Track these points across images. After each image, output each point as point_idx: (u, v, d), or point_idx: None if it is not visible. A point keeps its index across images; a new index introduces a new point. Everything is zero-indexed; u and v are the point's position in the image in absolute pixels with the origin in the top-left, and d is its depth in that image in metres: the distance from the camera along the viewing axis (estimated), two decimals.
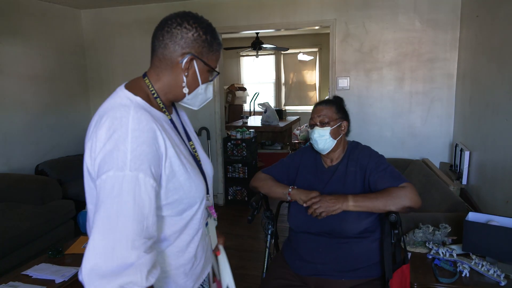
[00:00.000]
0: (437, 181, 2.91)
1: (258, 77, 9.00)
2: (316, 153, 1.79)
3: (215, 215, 1.15)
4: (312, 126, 1.73)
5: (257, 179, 1.86)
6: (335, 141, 1.68)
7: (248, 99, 8.36)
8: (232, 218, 4.19)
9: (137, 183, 0.82)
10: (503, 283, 1.62)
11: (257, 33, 6.43)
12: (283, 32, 7.80)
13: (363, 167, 1.66)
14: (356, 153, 1.71)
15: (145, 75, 1.03)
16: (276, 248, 2.02)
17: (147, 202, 0.83)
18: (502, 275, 1.65)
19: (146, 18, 4.42)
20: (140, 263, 0.79)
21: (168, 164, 0.91)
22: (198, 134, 4.48)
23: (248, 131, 4.64)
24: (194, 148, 1.09)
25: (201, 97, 1.08)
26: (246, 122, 6.44)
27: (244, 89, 8.60)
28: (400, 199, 1.51)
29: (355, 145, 1.77)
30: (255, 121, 6.69)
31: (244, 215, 3.86)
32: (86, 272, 0.77)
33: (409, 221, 2.17)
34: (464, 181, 3.02)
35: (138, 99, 0.95)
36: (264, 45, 6.53)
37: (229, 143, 4.56)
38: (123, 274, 0.77)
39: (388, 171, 1.62)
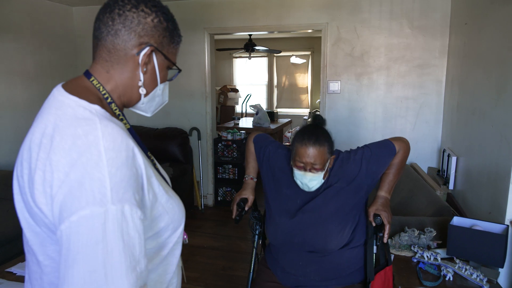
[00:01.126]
0: (424, 185, 2.94)
1: (250, 78, 9.01)
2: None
3: (186, 236, 0.95)
4: (299, 168, 1.52)
5: (251, 143, 1.85)
6: (324, 179, 1.56)
7: (240, 100, 8.37)
8: (220, 219, 4.19)
9: (124, 219, 0.62)
10: (485, 287, 1.64)
11: (250, 35, 6.45)
12: (276, 35, 7.83)
13: (351, 178, 1.57)
14: (336, 167, 1.61)
15: (89, 74, 0.81)
16: (264, 248, 2.03)
17: (137, 241, 0.63)
18: (485, 279, 1.67)
19: None
20: None
21: (149, 186, 0.72)
22: (189, 134, 4.47)
23: (239, 132, 4.64)
24: (153, 160, 0.89)
25: (158, 100, 0.88)
26: (238, 124, 6.44)
27: (236, 91, 8.60)
28: (405, 159, 1.67)
29: (336, 158, 1.64)
30: (246, 122, 6.69)
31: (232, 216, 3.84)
32: None
33: (395, 225, 2.20)
34: (451, 186, 3.06)
35: (97, 107, 0.72)
36: (257, 47, 6.55)
37: (219, 144, 4.55)
38: None
39: (375, 152, 1.60)
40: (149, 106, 0.88)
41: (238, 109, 8.47)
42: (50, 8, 4.30)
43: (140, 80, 0.81)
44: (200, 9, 4.22)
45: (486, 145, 2.44)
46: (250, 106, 6.55)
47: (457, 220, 1.90)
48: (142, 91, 0.82)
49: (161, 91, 0.87)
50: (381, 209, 1.57)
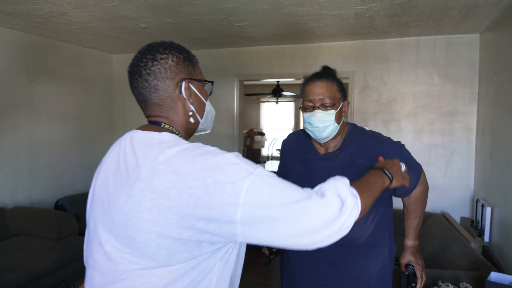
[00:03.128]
0: (457, 236, 2.82)
1: (277, 122, 9.15)
2: (305, 138, 1.53)
3: None
4: (309, 108, 1.39)
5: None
6: (338, 127, 1.39)
7: (267, 143, 8.46)
8: (244, 264, 4.09)
9: (267, 172, 0.79)
10: None
11: (277, 81, 6.63)
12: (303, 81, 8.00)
13: None
14: (361, 140, 1.43)
15: (156, 122, 0.93)
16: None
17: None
18: None
19: None
20: (329, 194, 0.81)
21: None
22: None
23: None
24: None
25: (210, 115, 1.03)
26: (264, 166, 6.46)
27: (262, 134, 8.73)
28: (425, 199, 1.52)
29: (355, 129, 1.49)
30: (272, 165, 6.71)
31: (258, 261, 3.78)
32: (325, 235, 0.77)
33: (428, 278, 2.09)
34: (486, 238, 2.91)
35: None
36: (284, 93, 6.71)
37: None
38: (338, 210, 0.79)
39: (408, 157, 1.45)
40: (206, 124, 1.03)
41: (264, 152, 8.54)
42: (92, 55, 4.63)
43: (191, 110, 0.95)
44: (231, 57, 4.43)
45: None
46: (276, 149, 6.61)
47: (495, 276, 1.79)
48: (197, 117, 0.97)
49: (209, 107, 1.02)
50: (413, 260, 1.50)
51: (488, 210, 2.89)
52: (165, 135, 0.85)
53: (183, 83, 0.91)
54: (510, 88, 2.67)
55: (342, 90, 1.42)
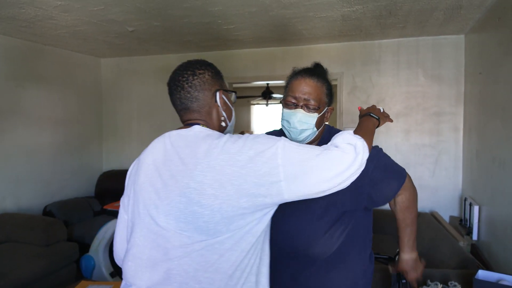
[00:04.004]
0: (446, 236, 2.85)
1: (268, 125, 9.16)
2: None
3: None
4: (291, 105, 1.30)
5: None
6: (317, 132, 1.32)
7: None
8: None
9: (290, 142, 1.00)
10: None
11: (267, 83, 6.65)
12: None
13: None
14: None
15: (194, 123, 1.08)
16: None
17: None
18: None
19: (162, 67, 4.64)
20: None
21: None
22: None
23: None
24: None
25: (233, 119, 1.20)
26: None
27: None
28: (415, 207, 1.36)
29: (330, 131, 1.39)
30: None
31: None
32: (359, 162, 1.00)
33: None
34: (475, 237, 2.95)
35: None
36: (274, 95, 6.72)
37: None
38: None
39: (386, 161, 1.32)
40: (231, 128, 1.21)
41: None
42: (80, 59, 4.58)
43: (223, 116, 1.14)
44: (220, 60, 4.41)
45: (509, 194, 2.37)
46: None
47: (482, 274, 1.82)
48: (227, 122, 1.16)
49: (234, 113, 1.20)
50: (407, 273, 1.39)
51: (475, 209, 2.93)
52: (209, 130, 1.05)
53: (218, 94, 1.11)
54: (494, 88, 2.71)
55: (330, 95, 1.34)
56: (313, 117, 1.28)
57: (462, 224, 3.27)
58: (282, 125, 1.34)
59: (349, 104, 4.04)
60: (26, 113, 3.89)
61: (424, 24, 3.28)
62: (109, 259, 3.52)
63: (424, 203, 3.79)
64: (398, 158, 3.85)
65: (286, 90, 1.35)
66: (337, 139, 1.06)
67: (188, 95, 1.07)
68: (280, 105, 1.41)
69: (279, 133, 1.42)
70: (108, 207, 3.43)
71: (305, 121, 1.28)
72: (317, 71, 1.34)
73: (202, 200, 0.93)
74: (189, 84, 1.06)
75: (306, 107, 1.28)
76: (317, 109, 1.28)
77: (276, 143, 0.96)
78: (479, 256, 2.80)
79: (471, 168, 3.33)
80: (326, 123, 1.41)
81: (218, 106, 1.11)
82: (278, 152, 0.94)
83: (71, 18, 3.07)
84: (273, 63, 4.24)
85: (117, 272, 3.52)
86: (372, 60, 3.94)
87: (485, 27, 2.95)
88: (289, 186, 0.94)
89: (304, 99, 1.28)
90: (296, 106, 1.29)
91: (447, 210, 3.73)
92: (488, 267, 2.58)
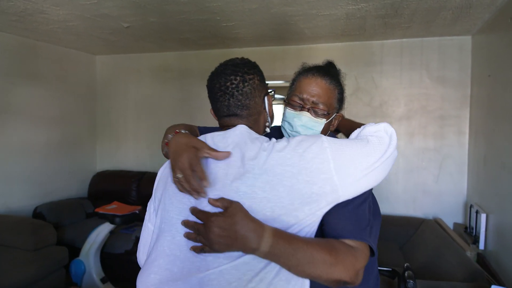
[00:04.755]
0: (452, 244, 2.73)
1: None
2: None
3: None
4: (296, 107, 1.16)
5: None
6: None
7: None
8: None
9: None
10: None
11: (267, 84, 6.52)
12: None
13: None
14: None
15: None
16: None
17: None
18: None
19: (159, 65, 4.51)
20: None
21: None
22: None
23: None
24: None
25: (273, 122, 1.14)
26: None
27: None
28: (342, 267, 0.86)
29: None
30: None
31: None
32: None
33: None
34: (481, 246, 2.83)
35: None
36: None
37: None
38: None
39: (359, 211, 0.97)
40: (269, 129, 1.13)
41: None
42: (75, 56, 4.44)
43: (268, 122, 1.08)
44: (218, 58, 4.24)
45: None
46: None
47: None
48: (268, 122, 1.09)
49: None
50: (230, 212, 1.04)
51: (483, 217, 2.81)
52: (254, 133, 0.99)
53: (266, 99, 1.04)
54: (504, 91, 2.59)
55: (341, 100, 1.22)
56: (320, 123, 1.15)
57: (468, 232, 3.15)
58: (282, 127, 1.21)
59: (351, 106, 3.91)
60: (17, 111, 3.76)
61: (430, 24, 3.16)
62: (100, 264, 3.39)
63: (428, 209, 3.67)
64: (401, 162, 3.76)
65: (292, 87, 1.21)
66: (367, 129, 1.04)
67: (239, 103, 0.99)
68: (280, 106, 1.29)
69: (278, 133, 1.28)
70: (100, 210, 3.29)
71: (310, 126, 1.15)
72: (331, 72, 1.21)
73: (254, 204, 0.87)
74: (240, 92, 0.98)
75: (314, 111, 1.15)
76: (325, 115, 1.15)
77: (321, 138, 0.92)
78: (486, 267, 2.68)
79: (478, 174, 3.21)
80: (331, 131, 1.27)
81: (266, 112, 1.05)
82: (325, 146, 0.91)
83: (63, 13, 2.93)
84: (273, 63, 4.12)
85: (108, 277, 3.38)
86: (375, 61, 3.82)
87: (495, 28, 2.83)
88: (342, 180, 0.89)
89: (313, 101, 1.14)
90: (302, 108, 1.16)
91: (451, 216, 3.61)
92: (496, 279, 2.46)
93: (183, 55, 4.39)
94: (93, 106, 4.79)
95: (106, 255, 3.51)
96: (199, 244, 0.88)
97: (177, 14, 2.96)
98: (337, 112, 1.22)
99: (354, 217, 0.94)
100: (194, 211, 0.91)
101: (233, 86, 0.98)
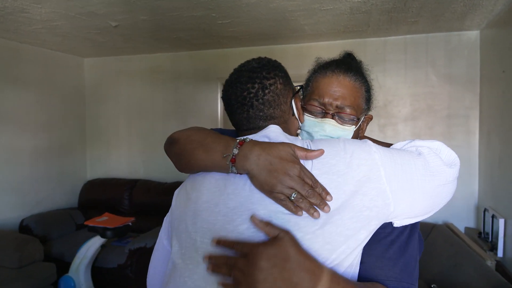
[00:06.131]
0: (469, 253, 2.54)
1: None
2: None
3: None
4: (317, 113, 0.95)
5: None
6: None
7: None
8: None
9: None
10: None
11: None
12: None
13: None
14: None
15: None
16: None
17: None
18: None
19: (151, 67, 4.29)
20: None
21: None
22: None
23: None
24: None
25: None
26: None
27: None
28: None
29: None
30: None
31: None
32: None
33: None
34: (500, 253, 2.65)
35: None
36: None
37: None
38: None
39: (408, 248, 0.80)
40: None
41: None
42: (61, 59, 4.21)
43: (300, 127, 0.93)
44: (214, 59, 4.09)
45: None
46: None
47: None
48: (299, 132, 0.95)
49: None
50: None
51: (501, 222, 2.63)
52: (288, 135, 0.84)
53: (294, 103, 0.87)
54: None
55: (369, 99, 1.01)
56: (348, 131, 0.95)
57: (482, 237, 2.98)
58: (301, 136, 0.99)
59: None
60: (1, 116, 3.52)
61: (438, 19, 2.98)
62: (91, 280, 3.16)
63: (437, 213, 3.44)
64: None
65: (308, 90, 1.00)
66: (417, 143, 0.86)
67: (261, 114, 0.83)
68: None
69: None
70: (90, 222, 3.07)
71: (336, 135, 0.94)
72: (353, 66, 0.99)
73: (300, 220, 0.72)
74: (260, 101, 0.82)
75: (339, 117, 0.94)
76: (354, 120, 0.95)
77: (367, 142, 0.78)
78: (507, 275, 2.49)
79: (491, 176, 3.03)
80: (361, 137, 1.05)
81: (296, 118, 0.89)
82: (373, 150, 0.76)
83: (45, 11, 2.71)
84: None
85: None
86: (379, 58, 3.64)
87: (508, 21, 2.66)
88: (394, 192, 0.74)
89: (337, 105, 0.94)
90: (324, 114, 0.95)
91: (462, 221, 3.44)
92: None
93: (176, 56, 4.17)
94: (82, 111, 4.56)
95: (97, 269, 3.28)
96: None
97: (169, 11, 2.76)
98: (366, 114, 1.02)
99: (403, 259, 0.76)
100: (226, 242, 0.73)
101: (251, 95, 0.82)
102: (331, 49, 3.71)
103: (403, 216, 0.80)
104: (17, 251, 2.89)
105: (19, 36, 3.41)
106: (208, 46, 3.86)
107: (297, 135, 0.93)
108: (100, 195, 4.29)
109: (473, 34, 3.37)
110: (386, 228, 0.84)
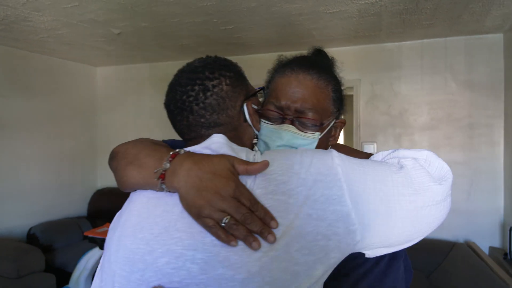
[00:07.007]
0: (491, 276, 2.29)
1: None
2: None
3: None
4: (271, 116, 0.83)
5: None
6: None
7: None
8: None
9: None
10: None
11: None
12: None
13: None
14: None
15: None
16: None
17: None
18: None
19: (162, 76, 4.26)
20: None
21: None
22: None
23: None
24: None
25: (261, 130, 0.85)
26: None
27: None
28: None
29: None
30: None
31: None
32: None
33: None
34: None
35: None
36: None
37: None
38: None
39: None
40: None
41: None
42: (72, 68, 4.23)
43: (256, 134, 0.79)
44: None
45: None
46: None
47: None
48: (255, 141, 0.80)
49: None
50: None
51: None
52: (234, 144, 0.72)
53: (245, 107, 0.74)
54: None
55: (340, 100, 0.86)
56: (311, 139, 0.81)
57: (508, 259, 2.70)
58: (259, 148, 0.84)
59: (367, 115, 3.54)
60: (8, 124, 3.54)
61: (456, 21, 2.77)
62: None
63: (458, 231, 3.22)
64: None
65: (267, 91, 0.88)
66: (400, 153, 0.73)
67: (202, 120, 0.71)
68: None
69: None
70: (89, 233, 3.00)
71: (297, 144, 0.80)
72: (317, 62, 0.85)
73: (232, 254, 0.58)
74: (201, 105, 0.70)
75: (300, 122, 0.81)
76: (319, 126, 0.81)
77: (331, 151, 0.64)
78: None
79: None
80: (332, 145, 0.90)
81: (249, 124, 0.76)
82: (335, 163, 0.62)
83: (47, 19, 2.70)
84: None
85: None
86: (393, 64, 3.44)
87: None
88: (362, 218, 0.60)
89: (296, 109, 0.80)
90: (283, 119, 0.82)
91: (485, 239, 3.15)
92: None
93: (181, 65, 4.12)
94: (94, 120, 4.57)
95: None
96: None
97: (168, 17, 2.68)
98: (337, 118, 0.87)
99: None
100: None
101: (191, 98, 0.70)
102: (344, 55, 3.55)
103: (374, 246, 0.65)
104: (15, 261, 2.86)
105: (28, 45, 3.44)
106: (214, 54, 3.75)
107: (252, 145, 0.80)
108: (110, 204, 4.24)
109: (496, 37, 3.12)
110: (357, 258, 0.70)
